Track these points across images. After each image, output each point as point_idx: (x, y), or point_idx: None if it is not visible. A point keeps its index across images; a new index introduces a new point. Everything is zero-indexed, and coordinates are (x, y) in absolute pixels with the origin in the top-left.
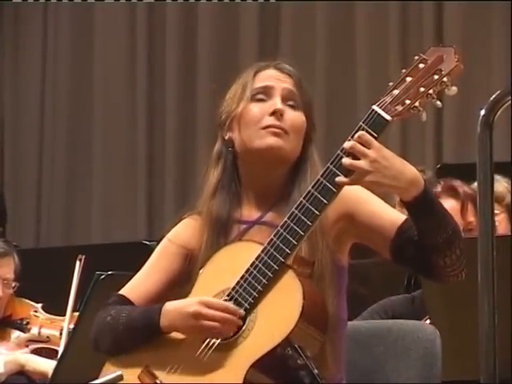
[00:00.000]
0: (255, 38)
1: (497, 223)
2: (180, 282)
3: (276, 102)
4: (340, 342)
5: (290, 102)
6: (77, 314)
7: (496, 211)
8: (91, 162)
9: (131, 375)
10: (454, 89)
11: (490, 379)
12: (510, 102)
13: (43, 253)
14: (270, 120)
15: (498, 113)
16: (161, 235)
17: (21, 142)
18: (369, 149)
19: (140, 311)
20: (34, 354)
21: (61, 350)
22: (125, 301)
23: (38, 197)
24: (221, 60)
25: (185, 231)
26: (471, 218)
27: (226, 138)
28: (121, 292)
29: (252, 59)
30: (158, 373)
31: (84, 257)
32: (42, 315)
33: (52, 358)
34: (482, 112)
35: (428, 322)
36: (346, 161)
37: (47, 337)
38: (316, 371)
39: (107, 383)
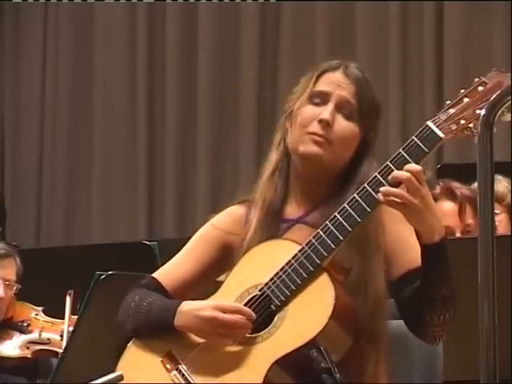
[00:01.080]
0: (255, 38)
1: (497, 223)
2: (216, 270)
3: (326, 111)
4: (378, 355)
5: (344, 111)
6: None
7: (496, 211)
8: (91, 161)
9: (154, 359)
10: (510, 116)
11: (490, 379)
12: (510, 102)
13: (43, 253)
14: (316, 127)
15: (499, 113)
16: (161, 235)
17: (21, 141)
18: (421, 184)
19: (159, 305)
20: (36, 355)
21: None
22: (156, 285)
23: (38, 197)
24: (221, 60)
25: (227, 218)
26: (469, 220)
27: (286, 126)
28: (154, 275)
29: (252, 59)
30: (180, 360)
31: (73, 291)
32: (43, 318)
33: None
34: (483, 112)
35: None
36: (397, 191)
37: (48, 339)
38: (338, 375)
39: (107, 383)
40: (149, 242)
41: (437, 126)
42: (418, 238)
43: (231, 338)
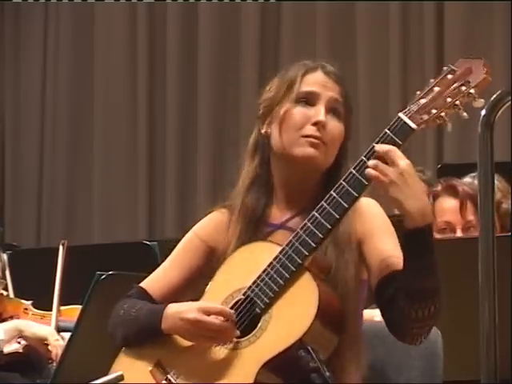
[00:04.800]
0: (256, 38)
1: None
2: (202, 277)
3: (320, 112)
4: (358, 347)
5: (334, 112)
6: (65, 307)
7: None
8: (92, 161)
9: (143, 369)
10: (482, 101)
11: (491, 379)
12: (510, 102)
13: (43, 253)
14: (312, 130)
15: (499, 113)
16: (161, 235)
17: (21, 141)
18: (396, 161)
19: (146, 311)
20: (26, 349)
21: (53, 322)
22: (143, 294)
23: (39, 197)
24: (221, 60)
25: (210, 225)
26: (470, 216)
27: (263, 131)
28: (142, 284)
29: (252, 59)
30: (169, 368)
31: (66, 241)
32: (32, 312)
33: (44, 353)
34: (483, 112)
35: None
36: (373, 162)
37: None
38: (328, 374)
39: (107, 383)
40: (149, 241)
41: (409, 118)
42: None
43: (216, 341)
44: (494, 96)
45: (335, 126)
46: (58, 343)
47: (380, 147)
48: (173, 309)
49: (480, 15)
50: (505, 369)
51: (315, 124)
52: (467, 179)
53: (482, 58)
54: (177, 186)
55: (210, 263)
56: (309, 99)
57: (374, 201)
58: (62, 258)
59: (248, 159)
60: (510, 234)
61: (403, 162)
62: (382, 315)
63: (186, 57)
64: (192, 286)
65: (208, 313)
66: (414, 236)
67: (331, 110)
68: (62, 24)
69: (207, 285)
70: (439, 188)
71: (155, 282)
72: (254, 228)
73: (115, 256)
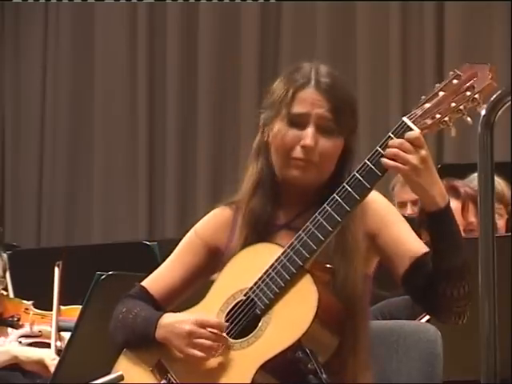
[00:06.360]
0: (256, 38)
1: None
2: (202, 276)
3: (308, 136)
4: (362, 350)
5: (324, 130)
6: (65, 307)
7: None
8: (92, 161)
9: (145, 369)
10: (485, 106)
11: (491, 379)
12: (510, 102)
13: (43, 253)
14: (299, 153)
15: (499, 113)
16: (161, 235)
17: (22, 141)
18: (418, 147)
19: (143, 317)
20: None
21: (52, 343)
22: (144, 293)
23: (38, 196)
24: (221, 60)
25: (210, 224)
26: (472, 218)
27: (265, 139)
28: (143, 283)
29: (252, 59)
30: (169, 368)
31: (62, 262)
32: (33, 311)
33: (44, 374)
34: (483, 112)
35: (424, 320)
36: (392, 150)
37: (39, 331)
38: (325, 376)
39: (108, 383)
40: (149, 242)
41: (413, 122)
42: (423, 211)
43: (207, 353)
44: (494, 96)
45: (327, 145)
46: (55, 362)
47: (408, 134)
48: (168, 319)
49: (480, 15)
50: (505, 369)
51: (303, 147)
52: (474, 182)
53: (488, 63)
54: (177, 185)
55: (210, 262)
56: (299, 120)
57: (377, 192)
58: (59, 278)
59: (252, 162)
60: (510, 234)
61: (422, 150)
62: (417, 301)
63: (186, 57)
64: (192, 285)
65: (203, 325)
66: (441, 217)
67: (320, 128)
68: (62, 24)
69: (209, 284)
70: None
71: (156, 281)
72: (259, 232)
73: (115, 256)
